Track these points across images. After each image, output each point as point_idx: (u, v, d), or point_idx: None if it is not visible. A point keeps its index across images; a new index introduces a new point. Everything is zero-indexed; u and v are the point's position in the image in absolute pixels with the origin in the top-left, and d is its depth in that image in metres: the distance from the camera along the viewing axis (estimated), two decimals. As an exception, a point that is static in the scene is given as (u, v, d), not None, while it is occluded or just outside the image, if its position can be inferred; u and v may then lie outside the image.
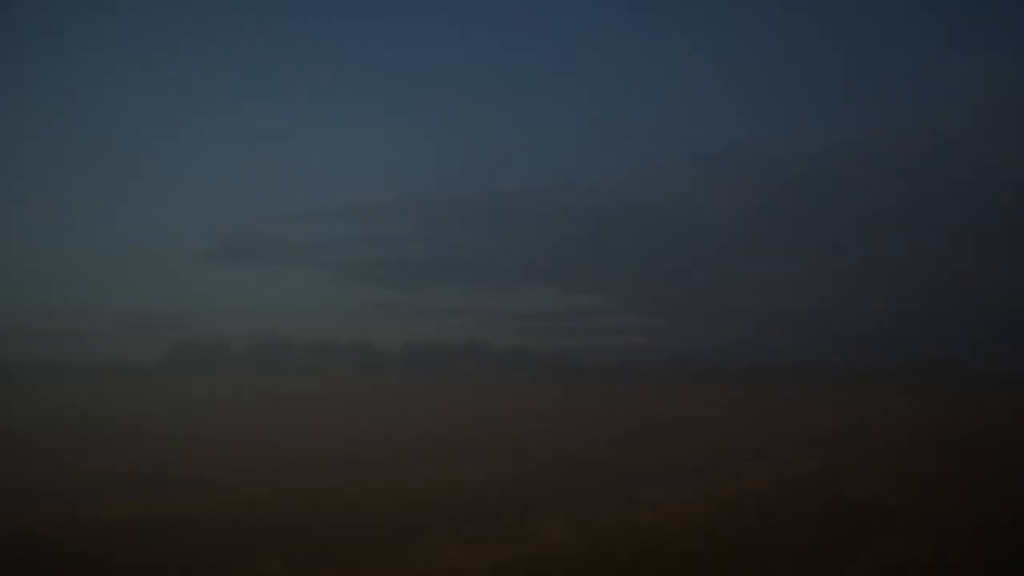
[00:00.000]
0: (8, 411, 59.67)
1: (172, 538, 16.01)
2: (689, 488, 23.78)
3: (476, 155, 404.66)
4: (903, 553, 15.40)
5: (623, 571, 13.85)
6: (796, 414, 70.23)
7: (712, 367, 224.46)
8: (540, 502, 20.94)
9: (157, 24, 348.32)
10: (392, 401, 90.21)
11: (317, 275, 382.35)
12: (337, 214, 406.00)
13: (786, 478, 26.36)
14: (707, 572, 13.82)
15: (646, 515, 19.16)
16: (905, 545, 16.11)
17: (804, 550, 15.53)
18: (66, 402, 75.16)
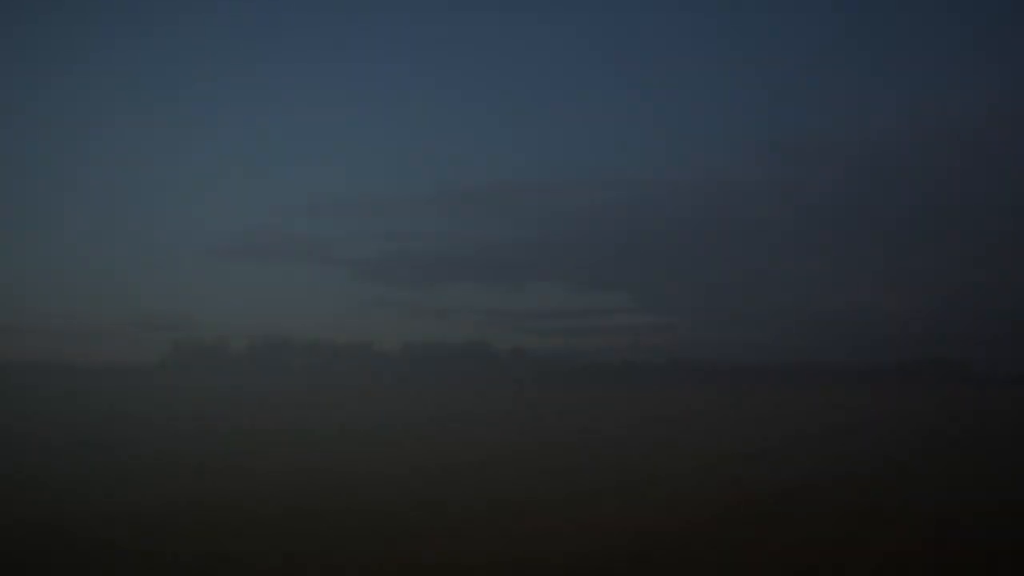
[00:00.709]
0: (8, 411, 59.67)
1: (172, 536, 15.99)
2: (689, 488, 23.76)
3: (495, 147, 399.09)
4: (903, 553, 15.39)
5: (623, 571, 13.83)
6: (796, 414, 70.21)
7: (713, 367, 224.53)
8: (540, 502, 20.93)
9: (169, 18, 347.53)
10: (395, 400, 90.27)
11: (327, 273, 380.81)
12: (349, 209, 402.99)
13: (786, 478, 26.33)
14: (707, 572, 13.80)
15: (646, 515, 19.15)
16: (905, 545, 16.10)
17: (804, 550, 15.52)
18: (66, 402, 75.23)
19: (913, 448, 38.22)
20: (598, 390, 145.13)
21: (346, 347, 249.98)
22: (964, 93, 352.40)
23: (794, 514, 19.49)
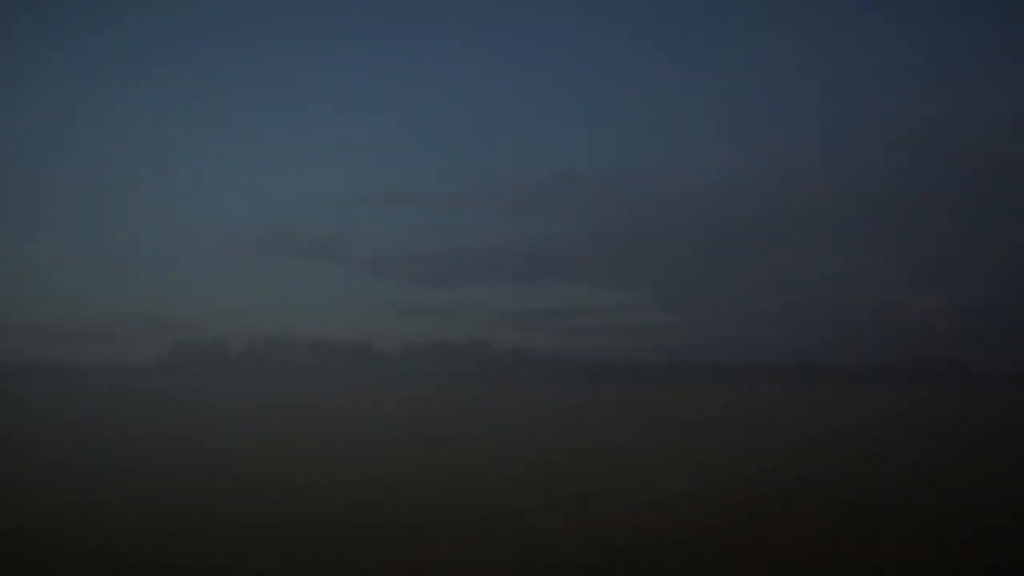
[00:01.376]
0: (8, 411, 59.68)
1: (172, 536, 16.00)
2: (689, 488, 23.77)
3: (515, 142, 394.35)
4: (903, 553, 15.40)
5: (623, 571, 13.84)
6: (796, 414, 70.22)
7: (715, 367, 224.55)
8: (541, 502, 20.94)
9: (181, 6, 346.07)
10: (396, 400, 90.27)
11: (336, 270, 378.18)
12: (361, 206, 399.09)
13: (786, 478, 26.35)
14: (707, 572, 13.81)
15: (646, 515, 19.16)
16: (905, 545, 16.11)
17: (804, 550, 15.53)
18: (66, 402, 75.24)
19: (913, 448, 38.23)
20: (601, 389, 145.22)
21: (346, 346, 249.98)
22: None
23: (794, 514, 19.50)
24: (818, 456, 33.72)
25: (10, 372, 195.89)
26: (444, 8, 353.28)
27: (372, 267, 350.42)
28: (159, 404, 73.18)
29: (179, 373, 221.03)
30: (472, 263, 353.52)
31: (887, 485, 25.04)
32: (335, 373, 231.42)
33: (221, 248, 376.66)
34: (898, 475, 27.71)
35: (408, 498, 21.38)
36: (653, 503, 20.94)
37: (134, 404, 72.59)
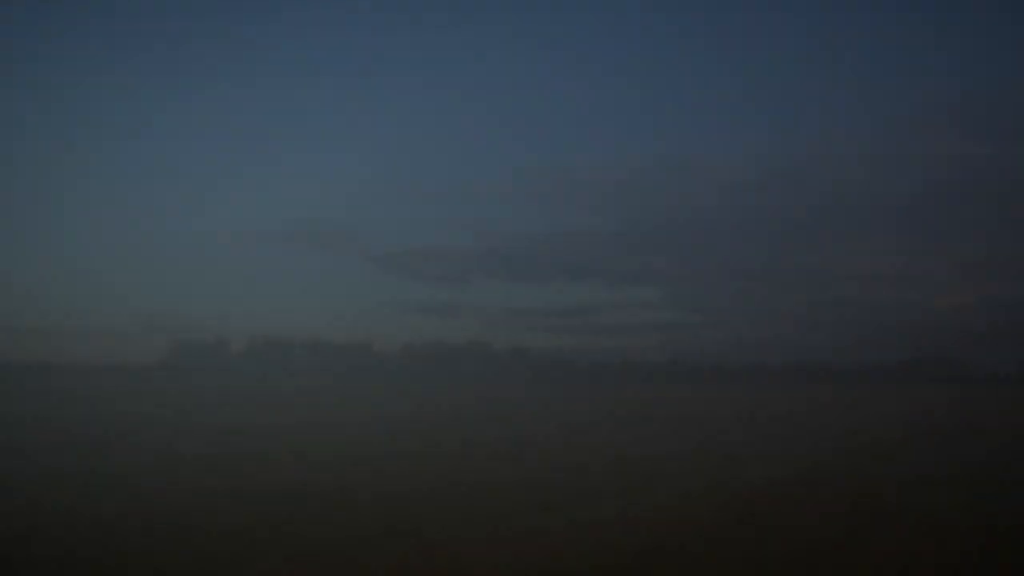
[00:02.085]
0: (8, 411, 59.66)
1: (172, 535, 16.00)
2: (689, 488, 23.77)
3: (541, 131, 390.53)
4: (903, 553, 15.40)
5: (623, 571, 13.83)
6: (796, 414, 70.19)
7: (714, 367, 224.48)
8: (541, 502, 20.93)
9: (182, 11, 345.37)
10: (395, 399, 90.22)
11: (343, 266, 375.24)
12: (372, 202, 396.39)
13: (787, 478, 26.35)
14: (707, 572, 13.81)
15: (645, 515, 19.15)
16: (905, 545, 16.11)
17: (805, 550, 15.53)
18: (66, 402, 75.19)
19: (913, 448, 38.21)
20: (604, 390, 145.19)
21: (347, 346, 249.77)
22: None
23: (794, 513, 19.50)
24: (818, 456, 33.71)
25: (10, 372, 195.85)
26: (465, 4, 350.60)
27: (382, 262, 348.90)
28: (159, 404, 73.18)
29: (180, 373, 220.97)
30: (480, 260, 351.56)
31: (887, 485, 25.03)
32: (335, 373, 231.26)
33: (223, 246, 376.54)
34: (898, 475, 27.70)
35: (408, 498, 21.37)
36: (654, 504, 20.93)
37: (135, 404, 72.61)
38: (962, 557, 15.13)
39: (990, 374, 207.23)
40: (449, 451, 34.33)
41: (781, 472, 27.99)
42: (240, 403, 78.49)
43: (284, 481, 24.25)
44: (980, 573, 14.02)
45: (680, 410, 75.11)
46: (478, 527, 17.50)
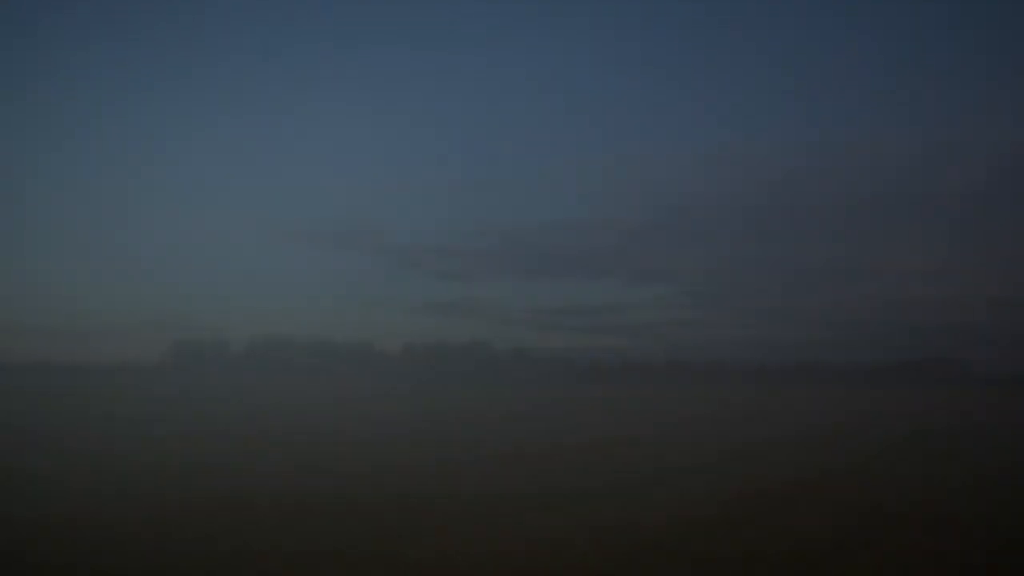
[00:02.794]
0: (8, 411, 59.65)
1: (172, 534, 16.00)
2: (689, 488, 23.76)
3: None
4: (904, 553, 15.40)
5: (624, 570, 13.84)
6: (796, 413, 70.20)
7: (714, 367, 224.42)
8: (541, 502, 20.93)
9: (191, 8, 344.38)
10: (397, 398, 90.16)
11: (365, 261, 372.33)
12: (382, 200, 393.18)
13: (787, 478, 26.34)
14: (707, 572, 13.81)
15: (646, 515, 19.16)
16: (906, 545, 16.11)
17: (805, 550, 15.53)
18: (66, 402, 75.20)
19: (913, 447, 38.21)
20: (598, 389, 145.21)
21: (347, 346, 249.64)
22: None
23: (794, 514, 19.50)
24: (818, 455, 33.70)
25: (10, 372, 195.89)
26: (484, 9, 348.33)
27: (398, 257, 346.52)
28: (159, 404, 73.17)
29: (180, 372, 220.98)
30: (494, 257, 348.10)
31: (888, 485, 25.03)
32: (335, 373, 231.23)
33: (223, 246, 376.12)
34: (897, 475, 27.70)
35: (408, 498, 21.37)
36: (654, 503, 20.93)
37: (135, 404, 72.59)
38: (962, 557, 15.13)
39: (990, 374, 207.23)
40: (449, 451, 34.30)
41: (781, 471, 27.99)
42: (240, 403, 78.49)
43: (284, 480, 24.25)
44: (980, 573, 14.02)
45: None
46: (478, 527, 17.50)
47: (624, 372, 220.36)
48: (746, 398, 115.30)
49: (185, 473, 25.92)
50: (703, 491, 23.19)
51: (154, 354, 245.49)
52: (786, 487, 24.24)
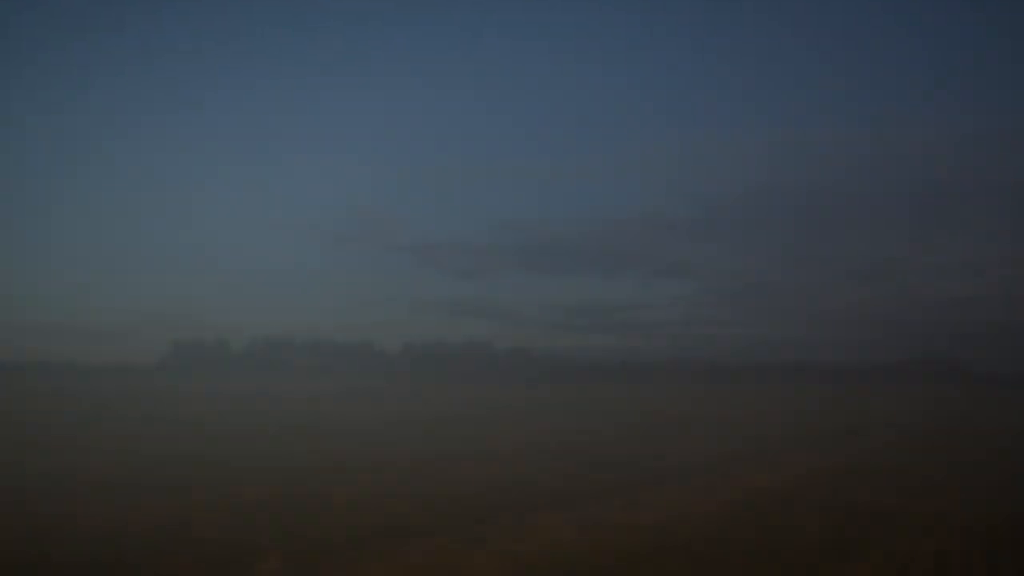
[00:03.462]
0: (8, 411, 59.66)
1: (173, 537, 16.00)
2: (689, 488, 23.76)
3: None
4: (904, 553, 15.40)
5: (624, 570, 13.84)
6: (796, 414, 70.20)
7: (714, 366, 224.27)
8: (541, 502, 20.93)
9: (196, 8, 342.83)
10: (399, 397, 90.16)
11: (382, 256, 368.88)
12: (411, 188, 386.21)
13: (787, 478, 26.35)
14: (707, 572, 13.81)
15: (646, 515, 19.15)
16: (906, 545, 16.11)
17: (805, 549, 15.53)
18: (66, 402, 75.19)
19: (913, 447, 38.21)
20: (598, 390, 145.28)
21: (346, 346, 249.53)
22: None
23: (794, 514, 19.50)
24: (818, 455, 33.70)
25: (10, 372, 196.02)
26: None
27: (418, 253, 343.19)
28: (159, 404, 73.16)
29: (180, 372, 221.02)
30: (510, 254, 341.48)
31: (887, 485, 25.03)
32: (335, 373, 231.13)
33: (223, 246, 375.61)
34: (897, 475, 27.70)
35: (408, 497, 21.37)
36: (653, 503, 20.93)
37: (135, 404, 72.58)
38: (962, 557, 15.13)
39: (990, 374, 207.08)
40: (449, 451, 34.28)
41: (782, 472, 27.99)
42: (239, 403, 78.48)
43: (284, 480, 24.25)
44: (980, 573, 14.02)
45: (674, 409, 75.06)
46: (478, 526, 17.49)
47: (646, 371, 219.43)
48: (747, 398, 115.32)
49: (185, 473, 25.91)
50: (702, 491, 23.17)
51: (154, 354, 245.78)
52: (787, 486, 24.23)
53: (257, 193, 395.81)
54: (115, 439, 37.88)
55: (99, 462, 28.47)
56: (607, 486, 24.03)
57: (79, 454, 31.07)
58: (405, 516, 18.68)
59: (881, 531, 17.58)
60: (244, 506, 19.76)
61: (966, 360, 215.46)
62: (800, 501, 21.53)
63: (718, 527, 17.74)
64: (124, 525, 17.24)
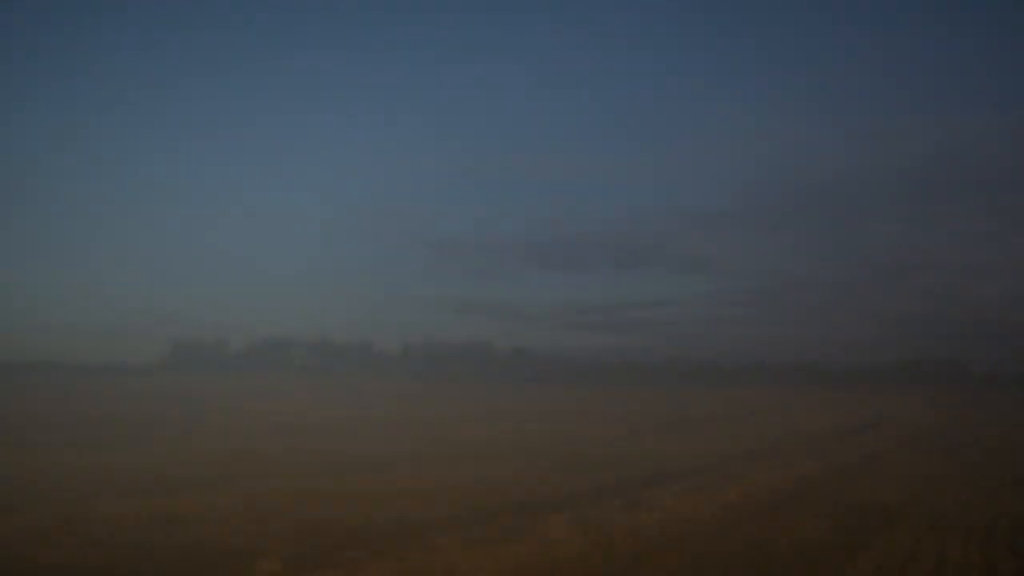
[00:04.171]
0: (8, 411, 59.67)
1: (172, 537, 16.00)
2: (689, 488, 23.77)
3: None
4: (904, 552, 15.40)
5: (624, 570, 13.84)
6: (796, 414, 70.23)
7: (713, 366, 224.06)
8: (541, 502, 20.94)
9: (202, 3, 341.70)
10: (399, 398, 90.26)
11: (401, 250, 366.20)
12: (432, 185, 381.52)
13: (787, 478, 26.36)
14: (707, 572, 13.81)
15: (646, 515, 19.15)
16: (906, 544, 16.11)
17: (805, 549, 15.53)
18: (66, 402, 75.19)
19: (912, 447, 38.24)
20: (598, 390, 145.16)
21: (346, 346, 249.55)
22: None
23: (794, 514, 19.51)
24: (818, 456, 33.72)
25: (10, 372, 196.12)
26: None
27: (423, 251, 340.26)
28: (159, 404, 73.21)
29: (179, 372, 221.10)
30: (527, 250, 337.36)
31: (887, 485, 25.05)
32: (335, 373, 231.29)
33: (223, 246, 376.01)
34: (897, 475, 27.72)
35: (408, 497, 21.38)
36: (653, 503, 20.94)
37: (135, 404, 72.63)
38: (962, 557, 15.14)
39: (990, 374, 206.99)
40: (450, 450, 34.31)
41: (783, 472, 28.01)
42: (239, 403, 78.53)
43: (284, 480, 24.26)
44: (980, 573, 14.02)
45: (674, 409, 75.13)
46: (478, 526, 17.50)
47: (652, 371, 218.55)
48: (747, 398, 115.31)
49: (185, 473, 25.91)
50: (702, 491, 23.18)
51: (154, 354, 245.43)
52: (787, 486, 24.25)
53: (257, 193, 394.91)
54: (115, 439, 37.89)
55: (98, 462, 28.48)
56: (606, 486, 24.04)
57: (79, 454, 31.07)
58: (405, 516, 18.68)
59: (882, 531, 17.59)
60: (244, 506, 19.76)
61: (968, 360, 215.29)
62: (801, 501, 21.54)
63: (717, 527, 17.75)
64: (123, 525, 17.24)
